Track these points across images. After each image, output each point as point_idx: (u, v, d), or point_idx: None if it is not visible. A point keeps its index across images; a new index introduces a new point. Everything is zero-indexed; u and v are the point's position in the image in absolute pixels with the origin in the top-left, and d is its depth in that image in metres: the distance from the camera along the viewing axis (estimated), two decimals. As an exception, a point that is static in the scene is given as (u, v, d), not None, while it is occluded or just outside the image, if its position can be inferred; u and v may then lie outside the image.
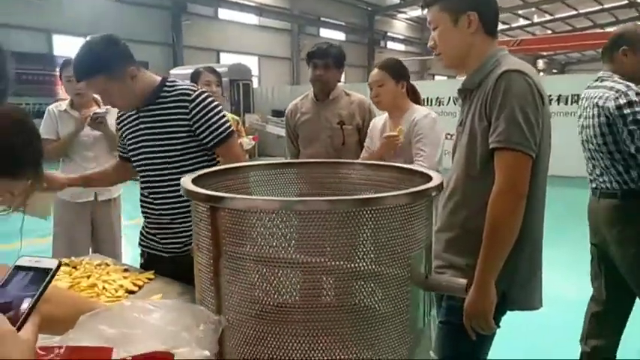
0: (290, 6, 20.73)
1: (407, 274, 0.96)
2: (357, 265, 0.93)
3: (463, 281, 0.99)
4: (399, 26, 27.10)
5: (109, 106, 3.27)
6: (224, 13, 18.80)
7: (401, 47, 27.18)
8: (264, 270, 0.94)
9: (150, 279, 1.88)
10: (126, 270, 1.93)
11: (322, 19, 21.52)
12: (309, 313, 0.91)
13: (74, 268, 1.93)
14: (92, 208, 3.21)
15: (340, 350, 0.92)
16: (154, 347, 0.83)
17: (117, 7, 15.52)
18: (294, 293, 0.96)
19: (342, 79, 2.94)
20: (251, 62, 17.98)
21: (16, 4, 13.11)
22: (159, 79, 2.01)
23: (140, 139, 2.01)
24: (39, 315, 0.72)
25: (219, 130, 1.95)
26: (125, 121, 2.09)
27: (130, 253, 2.16)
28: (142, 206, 2.11)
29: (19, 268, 0.75)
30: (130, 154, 2.09)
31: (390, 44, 26.52)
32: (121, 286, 1.75)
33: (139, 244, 2.19)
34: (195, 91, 1.95)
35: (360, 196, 1.15)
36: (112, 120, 3.19)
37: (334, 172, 1.40)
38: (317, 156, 2.70)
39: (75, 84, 3.08)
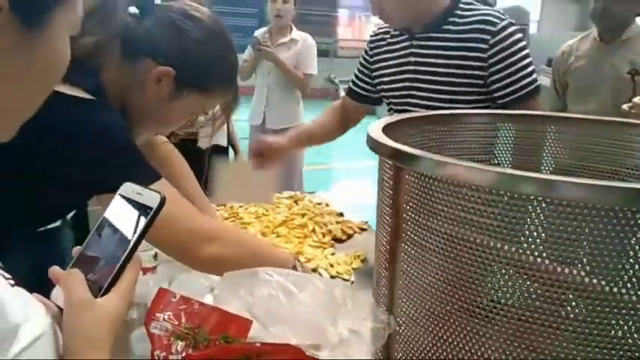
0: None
1: None
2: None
3: None
4: None
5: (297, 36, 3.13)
6: (511, -52, 17.09)
7: None
8: (460, 271, 0.64)
9: (363, 229, 1.73)
10: (341, 214, 1.81)
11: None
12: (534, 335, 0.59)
13: (295, 202, 1.91)
14: (264, 133, 3.08)
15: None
16: (285, 337, 0.64)
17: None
18: (512, 310, 0.64)
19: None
20: (532, 4, 16.10)
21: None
22: None
23: (406, 76, 1.55)
24: (135, 270, 0.58)
25: (521, 84, 1.38)
26: (383, 46, 1.64)
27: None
28: None
29: (122, 198, 0.60)
30: (385, 93, 1.65)
31: None
32: (330, 231, 1.64)
33: None
34: (502, 19, 1.40)
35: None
36: (290, 51, 3.06)
37: (618, 137, 0.96)
38: (591, 114, 2.11)
39: (276, 4, 2.99)
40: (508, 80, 1.39)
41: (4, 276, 0.48)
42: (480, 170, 0.58)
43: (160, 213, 0.57)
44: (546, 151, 1.00)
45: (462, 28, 1.43)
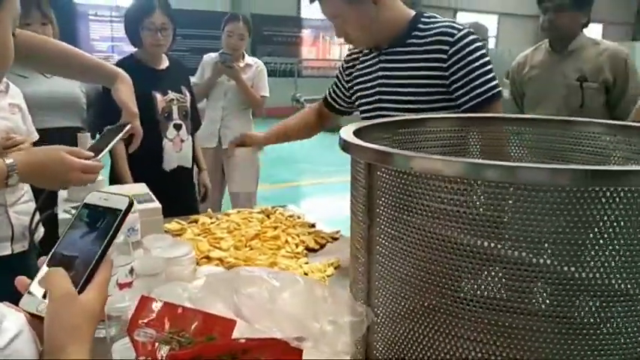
0: (541, -44, 18.56)
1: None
2: (591, 275, 0.61)
3: None
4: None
5: (250, 61, 3.27)
6: (464, -32, 17.78)
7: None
8: (431, 260, 0.67)
9: (335, 238, 1.76)
10: (313, 225, 1.84)
11: (579, -32, 18.71)
12: (504, 331, 0.63)
13: (267, 216, 1.93)
14: (219, 154, 3.18)
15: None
16: (270, 332, 0.66)
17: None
18: (479, 295, 0.68)
19: (599, 36, 2.34)
20: (490, 21, 16.77)
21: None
22: (412, 13, 1.58)
23: (375, 90, 1.64)
24: (108, 268, 0.60)
25: (481, 89, 1.46)
26: (355, 63, 1.75)
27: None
28: None
29: (88, 207, 0.64)
30: (357, 103, 1.75)
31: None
32: (303, 241, 1.67)
33: None
34: (460, 29, 1.49)
35: (615, 168, 0.77)
36: (247, 74, 3.17)
37: (568, 134, 1.03)
38: None
39: (232, 39, 3.11)
40: (468, 87, 1.46)
41: None
42: (446, 162, 0.62)
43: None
44: (510, 149, 1.06)
45: (424, 40, 1.52)
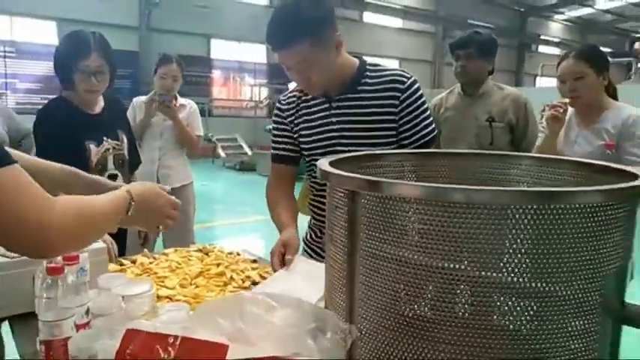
0: (436, 8, 20.30)
1: (595, 299, 0.72)
2: (530, 282, 0.71)
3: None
4: (555, 28, 25.08)
5: (184, 101, 3.34)
6: (369, 17, 18.90)
7: (555, 51, 25.14)
8: (410, 274, 0.76)
9: (278, 272, 1.80)
10: (255, 261, 1.87)
11: (469, 21, 20.69)
12: (470, 335, 0.72)
13: (206, 254, 1.93)
14: None
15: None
16: (270, 351, 0.71)
17: (268, 13, 16.26)
18: (451, 306, 0.77)
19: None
20: (392, 65, 17.90)
21: (180, 13, 14.35)
22: (357, 61, 1.67)
23: (330, 134, 1.68)
24: None
25: (425, 132, 1.62)
26: (301, 109, 1.76)
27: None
28: (313, 206, 1.84)
29: None
30: (307, 151, 1.76)
31: (543, 48, 24.63)
32: (248, 277, 1.69)
33: (304, 250, 1.91)
34: (409, 77, 1.62)
35: (545, 189, 0.91)
36: (182, 114, 3.23)
37: (488, 166, 1.18)
38: None
39: (166, 81, 3.14)
40: (415, 130, 1.62)
41: None
42: (427, 188, 0.72)
43: None
44: (439, 180, 1.20)
45: (375, 87, 1.63)
